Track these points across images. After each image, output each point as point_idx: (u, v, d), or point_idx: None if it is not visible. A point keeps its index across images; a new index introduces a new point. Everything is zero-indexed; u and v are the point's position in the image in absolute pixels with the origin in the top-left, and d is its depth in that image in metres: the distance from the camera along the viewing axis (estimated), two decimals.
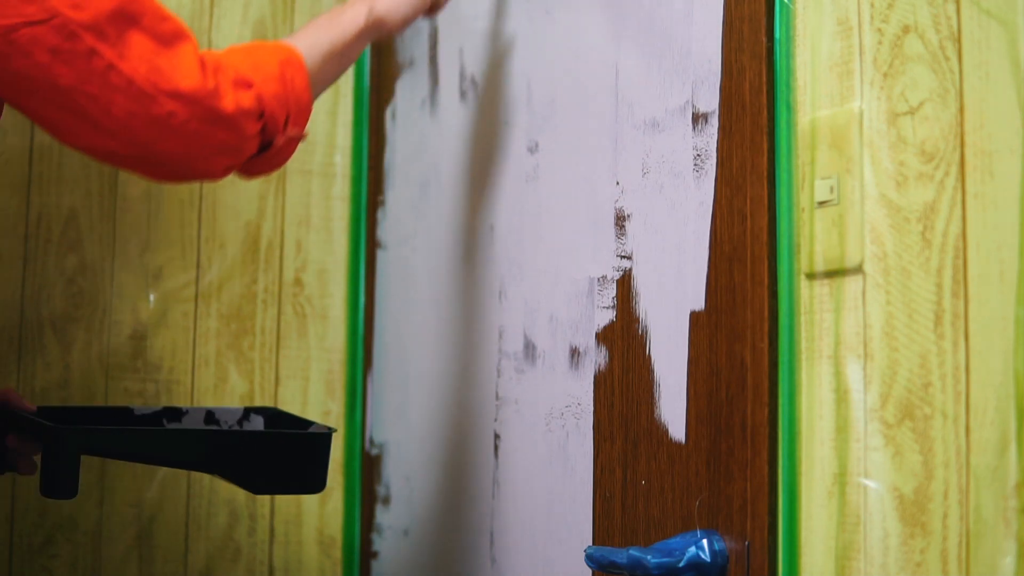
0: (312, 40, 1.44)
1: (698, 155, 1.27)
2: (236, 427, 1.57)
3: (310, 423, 1.50)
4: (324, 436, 1.42)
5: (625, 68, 1.40)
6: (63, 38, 1.21)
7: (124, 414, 1.55)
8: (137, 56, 1.25)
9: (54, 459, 1.30)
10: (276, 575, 1.95)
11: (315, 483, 1.42)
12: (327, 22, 1.49)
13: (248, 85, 1.33)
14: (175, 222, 1.92)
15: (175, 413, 1.56)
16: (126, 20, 1.25)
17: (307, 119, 1.41)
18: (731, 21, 1.23)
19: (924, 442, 1.00)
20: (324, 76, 1.45)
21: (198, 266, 1.93)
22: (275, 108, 1.35)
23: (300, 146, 2.00)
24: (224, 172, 1.37)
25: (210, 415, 1.57)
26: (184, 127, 1.27)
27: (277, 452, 1.41)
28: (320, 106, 2.02)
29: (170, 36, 1.28)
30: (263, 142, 1.36)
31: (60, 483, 1.30)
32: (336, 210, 2.02)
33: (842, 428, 1.07)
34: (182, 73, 1.27)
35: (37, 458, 1.37)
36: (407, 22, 1.54)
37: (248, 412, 1.58)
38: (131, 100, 1.24)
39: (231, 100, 1.30)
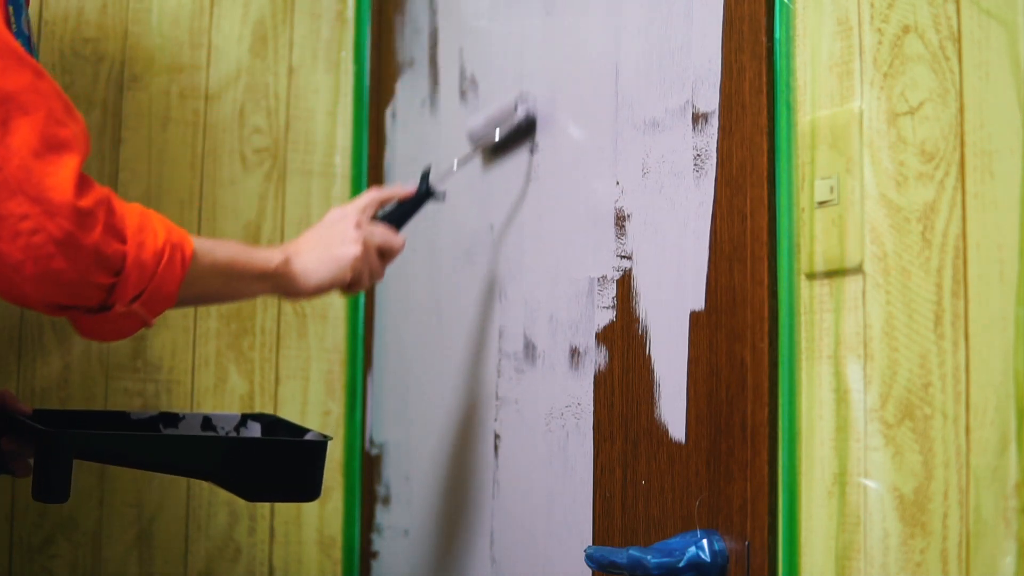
0: (213, 249, 1.34)
1: (698, 155, 1.27)
2: (233, 433, 1.56)
3: (306, 431, 1.49)
4: (320, 444, 1.41)
5: (625, 68, 1.40)
6: None
7: (120, 419, 1.54)
8: (15, 147, 1.17)
9: (46, 463, 1.29)
10: (276, 575, 1.95)
11: (310, 491, 1.40)
12: (239, 246, 1.40)
13: (121, 239, 1.22)
14: (175, 222, 1.91)
15: (172, 418, 1.55)
16: (18, 108, 1.18)
17: (161, 310, 1.28)
18: (731, 21, 1.23)
19: (924, 442, 1.00)
20: (202, 287, 1.33)
21: None
22: (132, 277, 1.23)
23: (301, 146, 2.01)
24: (50, 309, 1.24)
25: (207, 421, 1.56)
26: (30, 236, 1.17)
27: (272, 460, 1.40)
28: (320, 106, 2.02)
29: (58, 142, 1.20)
30: (103, 302, 1.24)
31: (52, 487, 1.28)
32: None
33: (842, 428, 1.08)
34: (53, 182, 1.18)
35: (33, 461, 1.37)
36: (319, 290, 1.45)
37: (245, 418, 1.58)
38: None
39: (94, 236, 1.19)
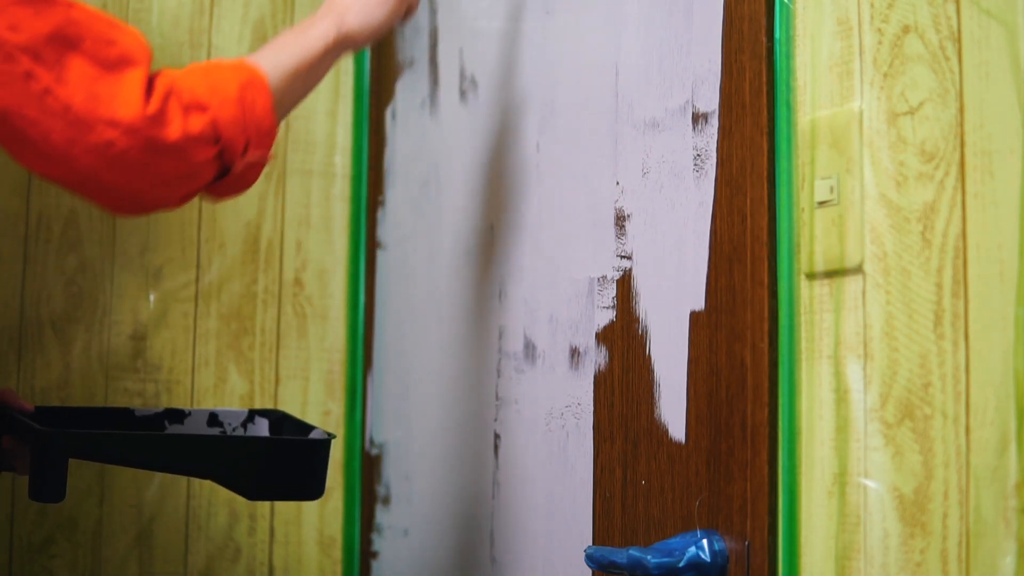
0: (277, 58, 1.37)
1: (698, 155, 1.27)
2: (240, 429, 1.55)
3: (312, 428, 1.49)
4: (323, 443, 1.40)
5: (625, 68, 1.40)
6: (0, 59, 1.18)
7: (125, 416, 1.53)
8: (76, 81, 1.20)
9: (41, 462, 1.28)
10: (276, 575, 1.95)
11: (313, 490, 1.40)
12: (294, 38, 1.42)
13: (202, 109, 1.26)
14: (175, 222, 1.92)
15: (177, 415, 1.54)
16: (65, 43, 1.21)
17: (270, 143, 1.34)
18: (731, 21, 1.23)
19: (924, 442, 1.00)
20: (290, 96, 1.38)
21: (198, 266, 1.93)
22: (232, 133, 1.28)
23: (301, 146, 2.01)
24: (181, 201, 1.31)
25: (213, 417, 1.55)
26: (124, 157, 1.21)
27: (273, 458, 1.39)
28: (320, 106, 2.02)
29: (114, 61, 1.23)
30: (221, 167, 1.30)
31: (47, 486, 1.28)
32: (336, 210, 2.02)
33: (842, 428, 1.07)
34: (122, 100, 1.21)
35: None
36: (379, 34, 1.48)
37: (253, 414, 1.57)
38: (69, 127, 1.20)
39: (177, 127, 1.24)
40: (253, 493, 1.41)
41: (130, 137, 1.21)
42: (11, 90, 1.19)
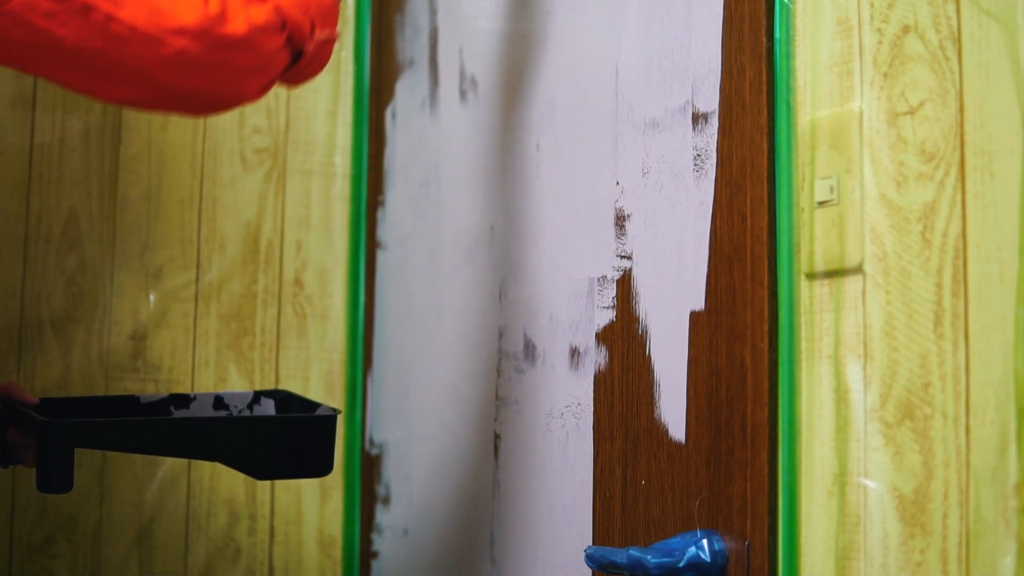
0: None
1: (698, 155, 1.27)
2: (246, 411, 1.55)
3: (318, 405, 1.49)
4: (330, 418, 1.40)
5: (625, 68, 1.40)
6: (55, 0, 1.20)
7: (130, 403, 1.53)
8: (133, 1, 1.22)
9: (46, 453, 1.29)
10: (276, 575, 1.95)
11: (322, 466, 1.40)
12: None
13: None
14: (175, 222, 1.92)
15: (183, 400, 1.54)
16: None
17: (336, 20, 1.36)
18: (731, 21, 1.23)
19: (924, 442, 1.00)
20: None
21: (198, 266, 1.93)
22: (297, 17, 1.30)
23: (301, 146, 2.01)
24: (261, 92, 1.34)
25: (219, 400, 1.55)
26: (199, 61, 1.24)
27: (281, 437, 1.39)
28: (320, 106, 2.02)
29: None
30: (293, 53, 1.32)
31: (54, 477, 1.28)
32: (336, 210, 2.02)
33: (842, 428, 1.07)
34: (183, 7, 1.24)
35: None
36: None
37: (258, 395, 1.57)
38: (139, 46, 1.22)
39: (242, 20, 1.26)
40: (263, 473, 1.41)
41: (199, 40, 1.23)
42: (74, 27, 1.20)
